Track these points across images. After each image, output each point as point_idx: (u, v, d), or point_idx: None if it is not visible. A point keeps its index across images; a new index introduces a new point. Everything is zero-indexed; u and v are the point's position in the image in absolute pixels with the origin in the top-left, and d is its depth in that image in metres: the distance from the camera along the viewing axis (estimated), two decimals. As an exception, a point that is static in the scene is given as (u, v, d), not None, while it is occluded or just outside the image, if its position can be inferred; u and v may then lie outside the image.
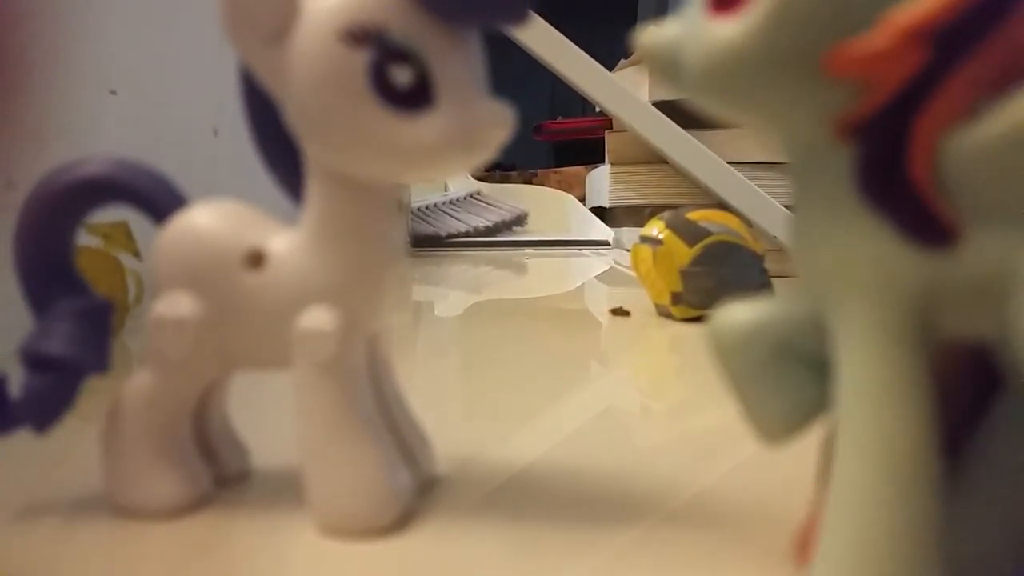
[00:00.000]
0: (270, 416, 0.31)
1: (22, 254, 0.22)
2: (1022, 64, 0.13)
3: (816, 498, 0.19)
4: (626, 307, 0.62)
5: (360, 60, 0.18)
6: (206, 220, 0.22)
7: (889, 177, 0.14)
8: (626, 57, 1.03)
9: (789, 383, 0.18)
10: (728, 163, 0.89)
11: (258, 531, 0.21)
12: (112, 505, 0.22)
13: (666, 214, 0.57)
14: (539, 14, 0.82)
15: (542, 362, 0.47)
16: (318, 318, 0.21)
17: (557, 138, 2.18)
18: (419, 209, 1.50)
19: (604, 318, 0.63)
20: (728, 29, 0.15)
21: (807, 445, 0.19)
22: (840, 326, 0.16)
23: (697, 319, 0.56)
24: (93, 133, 0.53)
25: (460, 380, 0.44)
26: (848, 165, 0.15)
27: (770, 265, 0.57)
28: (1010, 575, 0.17)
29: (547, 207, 1.73)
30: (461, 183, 1.70)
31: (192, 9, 0.65)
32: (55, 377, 0.22)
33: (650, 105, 0.93)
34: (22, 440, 0.22)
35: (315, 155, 0.21)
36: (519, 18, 0.19)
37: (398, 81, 0.19)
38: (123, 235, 0.46)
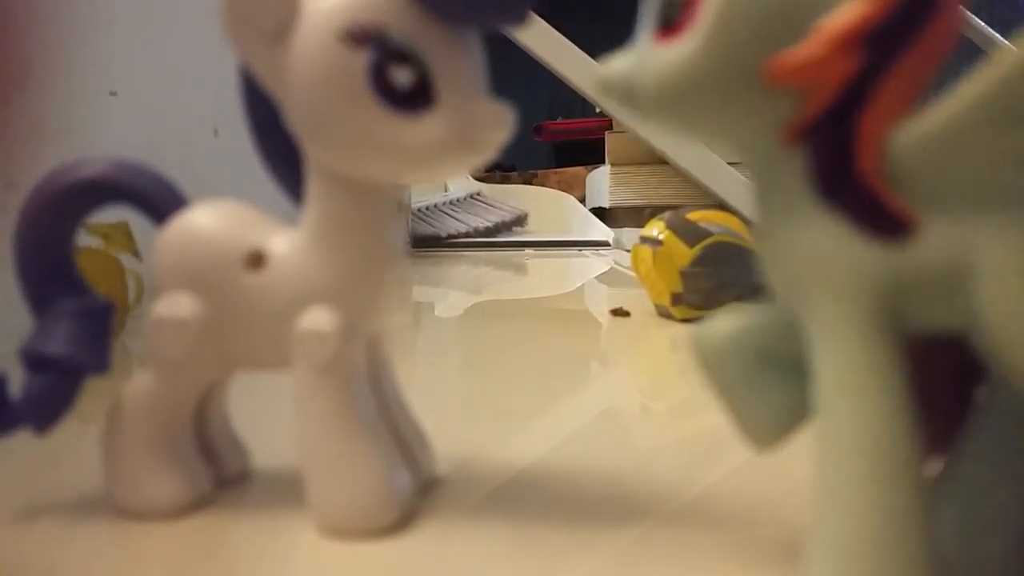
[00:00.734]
0: (270, 416, 0.31)
1: (22, 255, 0.22)
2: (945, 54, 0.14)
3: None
4: (626, 308, 0.62)
5: (360, 60, 0.18)
6: (206, 221, 0.22)
7: (840, 175, 0.15)
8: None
9: (774, 388, 0.18)
10: (728, 163, 0.89)
11: (258, 532, 0.21)
12: (112, 506, 0.22)
13: (666, 215, 0.57)
14: (539, 14, 0.82)
15: (542, 362, 0.47)
16: (318, 319, 0.21)
17: (557, 139, 2.17)
18: (419, 209, 1.50)
19: (604, 319, 0.63)
20: (673, 52, 0.16)
21: (806, 446, 0.19)
22: (812, 325, 0.16)
23: (697, 320, 0.56)
24: (93, 134, 0.53)
25: (460, 381, 0.44)
26: (801, 167, 0.15)
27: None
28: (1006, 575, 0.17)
29: (547, 208, 1.73)
30: (461, 183, 1.70)
31: (192, 10, 0.65)
32: (55, 378, 0.22)
33: (650, 105, 0.92)
34: (22, 440, 0.22)
35: (315, 155, 0.21)
36: (519, 18, 0.19)
37: (398, 81, 0.19)
38: (123, 236, 0.46)
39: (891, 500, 0.15)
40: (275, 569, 0.20)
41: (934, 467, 0.17)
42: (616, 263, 1.08)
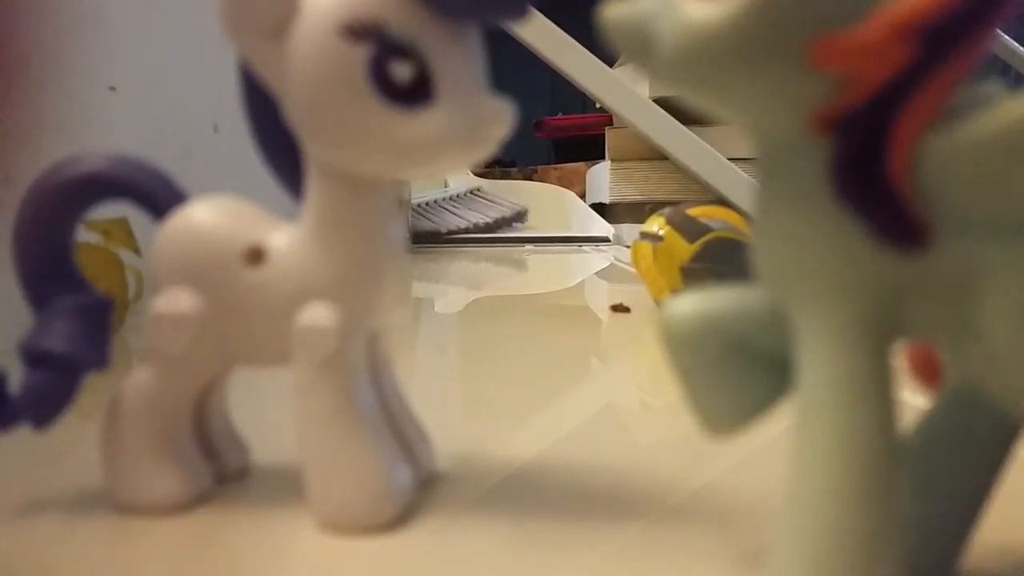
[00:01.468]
0: (270, 413, 0.31)
1: (21, 251, 0.22)
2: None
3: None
4: (626, 303, 0.62)
5: (360, 55, 0.18)
6: (206, 216, 0.22)
7: (866, 175, 0.14)
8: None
9: (739, 379, 0.18)
10: (728, 159, 0.89)
11: (258, 528, 0.21)
12: (112, 502, 0.22)
13: (666, 210, 0.57)
14: (539, 9, 0.82)
15: (542, 359, 0.47)
16: (318, 315, 0.21)
17: (557, 134, 2.17)
18: (419, 205, 1.50)
19: (604, 314, 0.63)
20: (709, 11, 0.14)
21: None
22: (801, 322, 0.15)
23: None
24: (92, 129, 0.53)
25: (460, 377, 0.44)
26: (822, 161, 0.14)
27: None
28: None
29: (547, 203, 1.73)
30: (461, 179, 1.70)
31: (191, 5, 0.65)
32: (55, 374, 0.21)
33: (650, 101, 0.92)
34: (22, 437, 0.22)
35: (315, 151, 0.21)
36: (519, 13, 0.19)
37: (398, 76, 0.18)
38: (123, 231, 0.46)
39: (867, 514, 0.14)
40: (275, 565, 0.20)
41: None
42: (616, 259, 1.08)
